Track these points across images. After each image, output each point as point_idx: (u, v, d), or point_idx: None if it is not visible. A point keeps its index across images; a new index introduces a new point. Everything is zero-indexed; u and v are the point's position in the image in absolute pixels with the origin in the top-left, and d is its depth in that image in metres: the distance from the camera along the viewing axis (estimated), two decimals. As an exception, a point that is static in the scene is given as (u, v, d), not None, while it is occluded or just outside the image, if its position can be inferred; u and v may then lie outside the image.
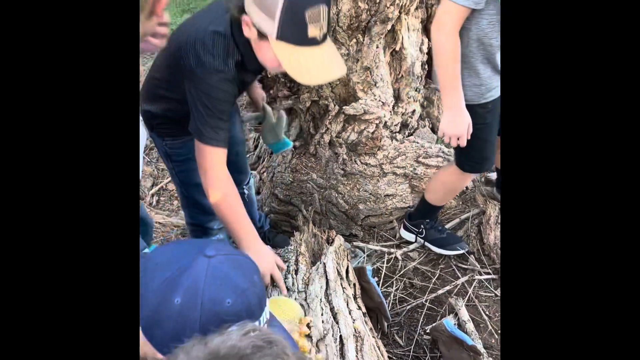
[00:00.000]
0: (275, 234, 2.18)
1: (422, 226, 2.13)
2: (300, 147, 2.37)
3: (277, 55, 1.29)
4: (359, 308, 1.57)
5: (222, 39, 1.36)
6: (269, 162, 2.44)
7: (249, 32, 1.31)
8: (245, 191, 2.05)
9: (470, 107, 1.65)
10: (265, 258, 1.42)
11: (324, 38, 1.32)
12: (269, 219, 2.30)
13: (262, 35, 1.29)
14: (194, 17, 1.51)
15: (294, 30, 1.26)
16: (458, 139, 1.67)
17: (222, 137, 1.42)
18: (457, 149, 1.78)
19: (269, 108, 1.90)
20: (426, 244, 2.15)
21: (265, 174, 2.43)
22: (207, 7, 1.52)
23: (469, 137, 1.69)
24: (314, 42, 1.29)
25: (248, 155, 2.71)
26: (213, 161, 1.43)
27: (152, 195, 2.53)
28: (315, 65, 1.31)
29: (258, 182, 2.44)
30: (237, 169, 1.98)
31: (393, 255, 2.12)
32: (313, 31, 1.27)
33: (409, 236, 2.19)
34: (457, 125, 1.65)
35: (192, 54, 1.35)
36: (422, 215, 2.12)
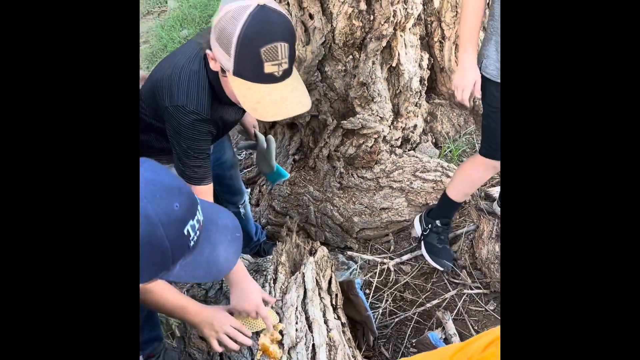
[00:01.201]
0: (272, 245, 2.23)
1: (430, 225, 2.13)
2: (299, 161, 2.42)
3: (234, 90, 1.30)
4: (338, 318, 1.60)
5: (195, 76, 1.38)
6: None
7: (215, 66, 1.34)
8: (242, 210, 2.11)
9: (489, 83, 1.69)
10: (252, 294, 1.39)
11: (286, 74, 1.31)
12: (266, 230, 2.35)
13: (224, 70, 1.32)
14: (172, 54, 1.53)
15: (249, 67, 1.26)
16: (463, 92, 1.72)
17: (202, 174, 1.47)
18: (482, 133, 1.86)
19: (260, 135, 1.92)
20: (422, 243, 2.15)
21: (264, 186, 2.49)
22: (184, 44, 1.55)
23: (476, 97, 1.75)
24: (271, 78, 1.28)
25: (249, 169, 2.78)
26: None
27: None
28: (271, 102, 1.30)
29: (257, 194, 2.50)
30: (232, 191, 2.05)
31: (386, 267, 2.13)
32: (270, 68, 1.26)
33: (417, 227, 2.21)
34: (464, 77, 1.69)
35: (167, 93, 1.38)
36: (439, 212, 2.11)
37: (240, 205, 2.09)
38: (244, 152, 2.93)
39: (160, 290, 1.28)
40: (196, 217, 0.92)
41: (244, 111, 1.56)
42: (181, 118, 1.37)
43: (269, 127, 2.60)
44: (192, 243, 0.92)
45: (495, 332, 1.04)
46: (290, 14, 2.08)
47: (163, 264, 0.90)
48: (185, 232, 0.89)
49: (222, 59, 1.29)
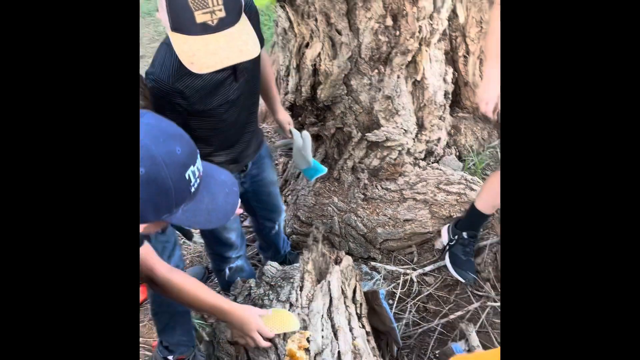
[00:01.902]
0: (296, 255, 2.26)
1: (457, 236, 2.15)
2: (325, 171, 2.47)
3: (174, 46, 1.28)
4: (363, 327, 1.62)
5: (164, 44, 1.42)
6: (294, 186, 2.55)
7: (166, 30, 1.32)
8: (277, 227, 2.16)
9: None
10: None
11: (224, 23, 1.27)
12: (291, 239, 2.39)
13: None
14: None
15: (181, 18, 1.24)
16: (487, 105, 1.77)
17: None
18: None
19: (295, 131, 1.95)
20: (446, 254, 2.17)
21: (290, 196, 2.54)
22: None
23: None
24: (206, 29, 1.25)
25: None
26: None
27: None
28: (206, 53, 1.27)
29: (284, 206, 2.56)
30: (269, 207, 2.09)
31: (409, 277, 2.15)
32: (201, 17, 1.24)
33: (444, 236, 2.23)
34: (489, 91, 1.75)
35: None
36: (467, 223, 2.13)
37: (276, 224, 2.14)
38: (279, 152, 2.98)
39: (194, 288, 1.33)
40: (196, 165, 0.97)
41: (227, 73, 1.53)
42: (150, 87, 1.40)
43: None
44: (192, 189, 0.96)
45: None
46: (318, 29, 2.14)
47: (167, 205, 0.93)
48: (187, 177, 0.94)
49: (162, 15, 1.28)
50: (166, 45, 1.42)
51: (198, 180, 0.98)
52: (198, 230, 2.19)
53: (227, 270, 2.04)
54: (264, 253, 2.33)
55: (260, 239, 2.30)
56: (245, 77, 1.58)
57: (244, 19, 1.33)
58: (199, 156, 0.98)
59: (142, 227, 0.98)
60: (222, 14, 1.26)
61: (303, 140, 1.94)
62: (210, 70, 1.30)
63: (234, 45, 1.30)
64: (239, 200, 1.10)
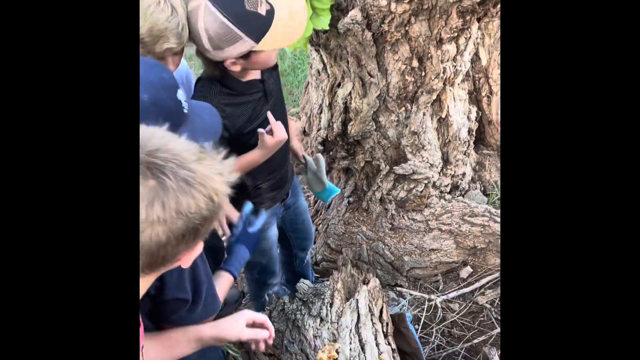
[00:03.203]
0: (322, 282, 2.35)
1: None
2: (353, 202, 2.58)
3: (268, 48, 1.46)
4: (389, 344, 1.70)
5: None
6: (324, 215, 2.66)
7: (238, 66, 1.50)
8: (308, 257, 2.24)
9: None
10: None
11: (271, 7, 1.45)
12: (321, 266, 2.49)
13: (246, 56, 1.47)
14: None
15: (255, 24, 1.41)
16: None
17: None
18: None
19: (308, 157, 2.04)
20: None
21: (320, 225, 2.65)
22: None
23: None
24: (270, 14, 1.43)
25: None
26: None
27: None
28: (283, 28, 1.46)
29: (314, 234, 2.66)
30: (305, 235, 2.17)
31: (433, 303, 2.22)
32: (261, 9, 1.41)
33: None
34: None
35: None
36: None
37: (308, 252, 2.22)
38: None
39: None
40: (180, 89, 1.07)
41: (258, 98, 1.68)
42: None
43: (326, 172, 2.78)
44: (185, 109, 1.06)
45: None
46: (350, 70, 2.28)
47: (171, 126, 0.96)
48: (178, 97, 1.03)
49: (237, 50, 1.44)
50: (203, 80, 1.58)
51: (186, 102, 1.08)
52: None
53: (266, 297, 2.10)
54: (291, 287, 2.27)
55: (288, 273, 2.30)
56: (274, 97, 1.72)
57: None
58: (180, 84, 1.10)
59: None
60: (268, 6, 1.45)
61: (317, 163, 2.02)
62: (285, 45, 1.56)
63: (293, 21, 1.51)
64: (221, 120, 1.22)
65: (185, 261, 0.88)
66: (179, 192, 0.74)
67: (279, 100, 1.79)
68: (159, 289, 1.09)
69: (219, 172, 0.81)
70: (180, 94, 1.08)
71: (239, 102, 1.61)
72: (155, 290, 1.09)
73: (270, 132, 1.61)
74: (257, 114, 1.66)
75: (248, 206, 1.49)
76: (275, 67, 1.76)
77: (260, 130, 1.60)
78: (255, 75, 1.64)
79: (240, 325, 1.28)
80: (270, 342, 1.34)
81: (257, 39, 1.44)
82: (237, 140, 1.63)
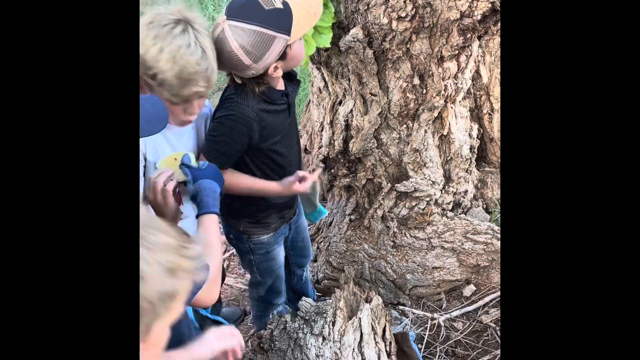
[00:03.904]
0: (323, 299, 2.32)
1: None
2: (355, 220, 2.56)
3: (298, 35, 1.50)
4: (392, 363, 1.68)
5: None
6: (326, 233, 2.65)
7: (280, 69, 1.54)
8: (305, 274, 2.23)
9: None
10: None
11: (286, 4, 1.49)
12: (323, 284, 2.47)
13: (283, 55, 1.51)
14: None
15: (280, 19, 1.45)
16: None
17: (227, 163, 1.61)
18: None
19: None
20: None
21: (322, 243, 2.63)
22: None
23: None
24: (286, 5, 1.47)
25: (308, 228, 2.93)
26: None
27: (224, 260, 2.81)
28: (303, 12, 1.50)
29: (315, 250, 2.64)
30: (304, 253, 2.17)
31: (436, 322, 2.19)
32: (278, 3, 1.45)
33: None
34: None
35: None
36: None
37: (304, 269, 2.21)
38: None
39: None
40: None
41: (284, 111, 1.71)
42: (230, 121, 1.59)
43: (326, 190, 2.77)
44: None
45: None
46: (351, 88, 2.29)
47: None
48: None
49: (275, 52, 1.47)
50: (232, 87, 1.59)
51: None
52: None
53: (270, 316, 2.04)
54: (292, 305, 2.28)
55: (289, 292, 2.28)
56: (292, 111, 1.74)
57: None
58: None
59: None
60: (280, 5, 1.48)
61: (313, 187, 1.98)
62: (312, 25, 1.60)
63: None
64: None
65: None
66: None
67: (294, 116, 1.82)
68: None
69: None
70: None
71: (272, 110, 1.63)
72: None
73: (302, 180, 1.65)
74: (282, 126, 1.68)
75: (186, 157, 1.40)
76: (298, 82, 1.79)
77: (302, 173, 1.66)
78: (281, 86, 1.66)
79: (210, 342, 1.27)
80: (239, 353, 1.32)
81: (288, 31, 1.47)
82: (257, 149, 1.65)
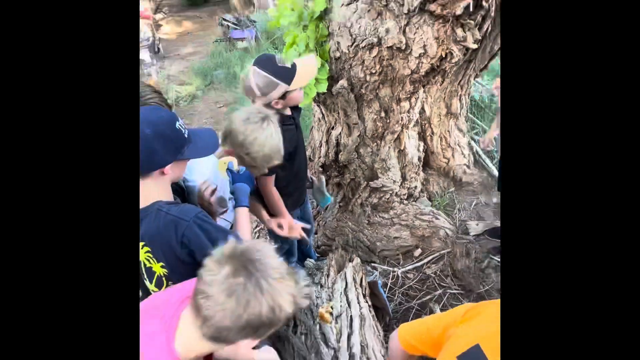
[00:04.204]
0: (322, 259, 2.32)
1: None
2: (343, 206, 2.56)
3: (296, 86, 1.47)
4: (367, 302, 1.68)
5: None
6: (323, 215, 2.65)
7: (280, 104, 1.50)
8: (310, 242, 2.16)
9: None
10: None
11: (294, 62, 1.49)
12: (321, 249, 2.47)
13: (283, 96, 1.48)
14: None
15: (285, 74, 1.44)
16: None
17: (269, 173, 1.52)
18: None
19: (313, 177, 2.04)
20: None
21: (321, 221, 2.63)
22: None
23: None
24: (293, 66, 1.47)
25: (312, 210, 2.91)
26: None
27: (253, 233, 2.78)
28: (303, 73, 1.48)
29: (316, 226, 2.64)
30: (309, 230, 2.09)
31: (396, 273, 2.20)
32: (288, 64, 1.46)
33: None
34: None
35: None
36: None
37: (310, 239, 2.16)
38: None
39: None
40: (180, 121, 0.96)
41: (293, 130, 1.64)
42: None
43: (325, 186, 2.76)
44: (186, 134, 0.97)
45: (466, 305, 0.88)
46: (340, 118, 2.29)
47: (174, 148, 0.92)
48: (177, 127, 0.94)
49: (277, 93, 1.44)
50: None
51: (187, 130, 0.99)
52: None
53: None
54: (300, 263, 2.20)
55: (299, 254, 2.21)
56: (299, 129, 1.72)
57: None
58: (179, 118, 0.99)
59: (168, 169, 0.92)
60: (286, 61, 1.47)
61: (320, 182, 2.03)
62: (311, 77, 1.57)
63: (311, 61, 1.55)
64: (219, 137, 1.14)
65: (245, 349, 0.80)
66: (252, 295, 0.66)
67: (301, 133, 1.80)
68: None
69: (291, 293, 0.70)
70: (179, 125, 0.97)
71: (285, 129, 1.59)
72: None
73: (280, 227, 1.58)
74: (294, 140, 1.66)
75: (230, 164, 1.32)
76: (299, 109, 1.77)
77: (284, 224, 1.57)
78: (288, 112, 1.64)
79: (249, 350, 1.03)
80: None
81: (289, 83, 1.47)
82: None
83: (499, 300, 0.72)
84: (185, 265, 0.92)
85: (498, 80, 1.42)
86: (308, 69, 1.54)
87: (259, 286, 0.66)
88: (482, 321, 0.77)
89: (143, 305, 0.77)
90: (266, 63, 1.45)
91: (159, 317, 0.73)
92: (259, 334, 0.70)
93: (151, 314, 0.74)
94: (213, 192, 1.23)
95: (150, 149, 0.88)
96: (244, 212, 1.25)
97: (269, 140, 1.28)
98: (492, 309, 0.79)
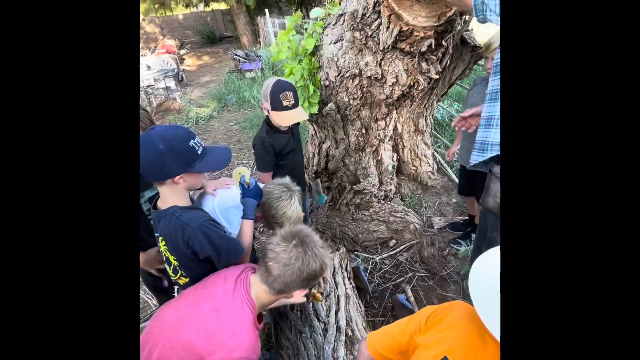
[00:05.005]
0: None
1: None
2: (332, 205, 2.55)
3: (272, 117, 1.46)
4: (351, 284, 1.67)
5: (263, 126, 1.57)
6: (316, 212, 2.63)
7: (266, 112, 1.49)
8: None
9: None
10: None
11: (295, 105, 1.45)
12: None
13: (269, 111, 1.46)
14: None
15: (277, 104, 1.43)
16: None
17: (268, 169, 1.58)
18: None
19: (312, 182, 2.05)
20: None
21: (314, 217, 2.62)
22: None
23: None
24: (287, 108, 1.44)
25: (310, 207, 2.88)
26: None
27: (259, 228, 2.75)
28: (289, 117, 1.46)
29: (310, 222, 2.62)
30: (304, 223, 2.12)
31: (375, 260, 2.19)
32: (285, 103, 1.43)
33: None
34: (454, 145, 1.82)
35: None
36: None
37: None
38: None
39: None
40: (196, 140, 0.90)
41: (288, 137, 1.61)
42: (257, 147, 1.57)
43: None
44: (199, 151, 0.90)
45: (428, 309, 0.75)
46: (329, 134, 2.28)
47: (184, 163, 0.87)
48: (191, 144, 0.87)
49: (266, 105, 1.46)
50: (265, 123, 1.58)
51: (201, 147, 0.92)
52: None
53: None
54: None
55: None
56: (296, 138, 1.72)
57: (299, 105, 1.52)
58: (197, 137, 0.92)
59: (179, 179, 0.88)
60: (293, 101, 1.46)
61: (317, 185, 2.03)
62: (289, 124, 1.51)
63: (300, 115, 1.49)
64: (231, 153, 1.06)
65: (297, 295, 0.88)
66: (311, 257, 0.83)
67: (299, 143, 1.79)
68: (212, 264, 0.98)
69: (329, 256, 0.88)
70: (194, 142, 0.90)
71: (280, 136, 1.61)
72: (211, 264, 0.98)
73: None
74: (289, 145, 1.65)
75: (243, 177, 1.28)
76: (297, 123, 1.74)
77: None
78: (286, 126, 1.63)
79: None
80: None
81: (273, 109, 1.46)
82: (281, 158, 1.65)
83: (458, 304, 0.68)
84: (190, 260, 0.96)
85: (467, 112, 1.35)
86: (295, 113, 1.49)
87: (314, 252, 0.83)
88: (446, 330, 0.65)
89: (210, 277, 0.90)
90: (272, 97, 1.45)
91: (232, 282, 0.85)
92: (310, 284, 0.85)
93: (218, 281, 0.86)
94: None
95: (162, 161, 0.86)
96: (249, 224, 1.22)
97: (294, 212, 1.28)
98: (453, 315, 0.67)
